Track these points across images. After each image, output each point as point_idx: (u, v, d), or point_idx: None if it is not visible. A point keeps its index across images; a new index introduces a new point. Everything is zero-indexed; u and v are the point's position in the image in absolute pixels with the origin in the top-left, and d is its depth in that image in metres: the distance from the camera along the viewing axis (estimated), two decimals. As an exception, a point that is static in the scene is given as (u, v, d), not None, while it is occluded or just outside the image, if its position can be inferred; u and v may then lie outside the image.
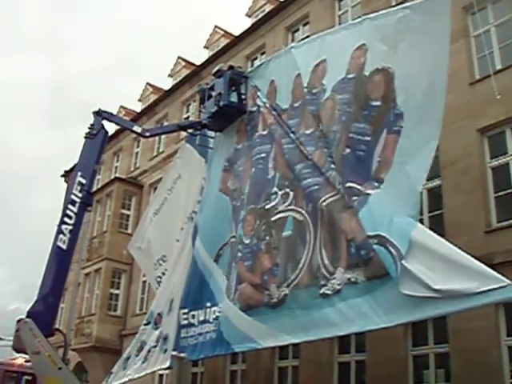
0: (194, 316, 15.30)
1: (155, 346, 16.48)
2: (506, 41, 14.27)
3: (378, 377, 14.10)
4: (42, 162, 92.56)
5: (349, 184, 11.67)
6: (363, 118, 12.06)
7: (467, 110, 14.21)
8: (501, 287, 9.01)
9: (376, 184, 11.32)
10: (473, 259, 9.57)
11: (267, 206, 13.85)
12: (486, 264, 9.43)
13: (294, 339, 12.59)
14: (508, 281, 9.02)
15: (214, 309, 14.79)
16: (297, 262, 12.57)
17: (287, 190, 13.57)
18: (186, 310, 15.61)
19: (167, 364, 15.52)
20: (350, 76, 12.62)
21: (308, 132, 13.43)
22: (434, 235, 10.67)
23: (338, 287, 11.46)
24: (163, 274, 17.99)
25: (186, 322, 15.49)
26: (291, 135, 13.80)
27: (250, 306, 13.47)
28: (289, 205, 13.37)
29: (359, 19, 13.37)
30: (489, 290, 9.02)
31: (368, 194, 11.27)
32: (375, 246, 10.69)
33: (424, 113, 10.99)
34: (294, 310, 12.29)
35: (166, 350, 15.92)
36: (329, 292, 11.68)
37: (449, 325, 12.92)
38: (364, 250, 10.93)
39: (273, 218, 13.60)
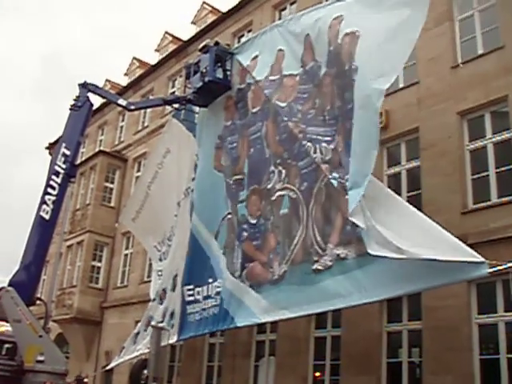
0: (198, 292, 15.67)
1: (162, 322, 16.74)
2: (488, 26, 14.37)
3: (353, 352, 14.39)
4: (28, 134, 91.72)
5: None
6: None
7: (448, 93, 14.34)
8: (474, 262, 9.30)
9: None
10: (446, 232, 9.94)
11: (269, 186, 14.13)
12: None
13: (291, 314, 12.86)
14: (481, 257, 9.30)
15: (215, 284, 15.18)
16: (292, 239, 12.95)
17: (280, 168, 13.84)
18: (191, 287, 15.98)
19: (175, 339, 15.81)
20: (331, 48, 12.68)
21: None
22: (404, 203, 11.18)
23: (330, 263, 11.84)
24: (167, 250, 18.34)
25: (191, 298, 15.88)
26: (285, 115, 13.90)
27: (259, 283, 13.86)
28: (283, 183, 13.67)
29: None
30: (461, 262, 9.34)
31: None
32: None
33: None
34: (291, 286, 12.69)
35: (173, 326, 16.36)
36: (321, 268, 12.06)
37: (422, 302, 13.22)
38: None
39: (273, 198, 13.92)
